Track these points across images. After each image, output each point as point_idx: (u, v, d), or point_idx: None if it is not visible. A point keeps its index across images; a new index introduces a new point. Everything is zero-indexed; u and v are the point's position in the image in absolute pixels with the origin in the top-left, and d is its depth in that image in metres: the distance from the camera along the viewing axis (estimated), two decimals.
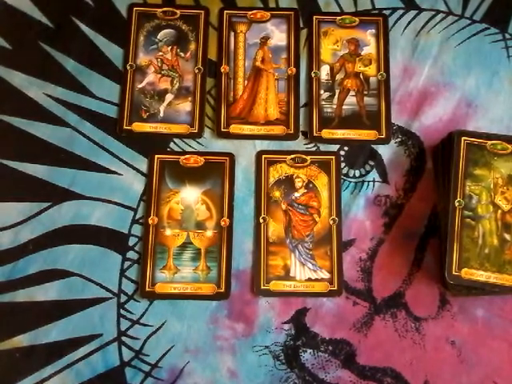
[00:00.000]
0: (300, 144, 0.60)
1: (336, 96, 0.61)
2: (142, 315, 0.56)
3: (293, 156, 0.59)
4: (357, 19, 0.63)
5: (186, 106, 0.61)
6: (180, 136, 0.60)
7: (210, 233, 0.57)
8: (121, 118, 0.60)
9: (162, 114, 0.61)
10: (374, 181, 0.59)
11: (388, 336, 0.55)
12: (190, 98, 0.61)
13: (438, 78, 0.61)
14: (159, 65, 0.62)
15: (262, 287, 0.56)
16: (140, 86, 0.62)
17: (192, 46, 0.63)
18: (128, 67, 0.62)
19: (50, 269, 0.56)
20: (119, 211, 0.58)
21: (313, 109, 0.61)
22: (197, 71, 0.62)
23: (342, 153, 0.60)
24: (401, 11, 0.63)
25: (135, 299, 0.56)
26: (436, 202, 0.58)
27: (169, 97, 0.61)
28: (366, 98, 0.61)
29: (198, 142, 0.60)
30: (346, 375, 0.54)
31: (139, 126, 0.60)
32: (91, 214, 0.58)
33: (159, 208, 0.58)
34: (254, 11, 0.63)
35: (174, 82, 0.62)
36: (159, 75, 0.62)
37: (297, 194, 0.58)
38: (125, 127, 0.60)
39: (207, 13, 0.63)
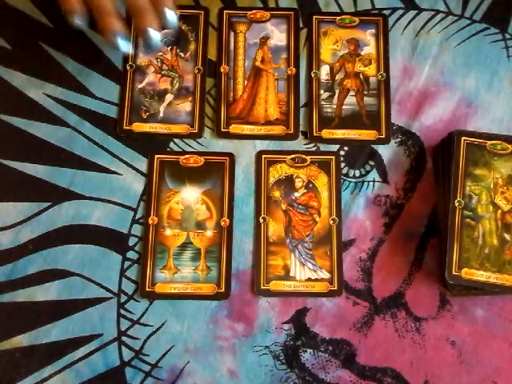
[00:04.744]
0: (300, 144, 0.60)
1: (336, 96, 0.61)
2: (142, 315, 0.56)
3: (293, 156, 0.59)
4: (357, 19, 0.63)
5: (186, 106, 0.61)
6: (180, 136, 0.60)
7: (210, 233, 0.57)
8: (120, 119, 0.60)
9: (161, 114, 0.61)
10: (374, 181, 0.59)
11: (388, 336, 0.55)
12: (190, 98, 0.61)
13: (437, 78, 0.61)
14: (159, 65, 0.62)
15: (262, 287, 0.56)
16: (140, 86, 0.62)
17: (192, 47, 0.63)
18: (128, 67, 0.62)
19: (50, 269, 0.56)
20: (119, 211, 0.58)
21: (313, 109, 0.61)
22: (197, 71, 0.62)
23: (342, 153, 0.60)
24: (401, 11, 0.64)
25: (135, 299, 0.56)
26: (436, 202, 0.58)
27: (169, 97, 0.61)
28: (365, 98, 0.61)
29: (198, 142, 0.60)
30: (346, 375, 0.54)
31: (139, 126, 0.60)
32: (91, 214, 0.58)
33: (159, 208, 0.58)
34: (254, 11, 0.64)
35: (174, 82, 0.62)
36: (159, 75, 0.62)
37: (297, 194, 0.58)
38: (125, 127, 0.60)
39: (207, 13, 0.63)
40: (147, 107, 0.61)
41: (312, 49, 0.63)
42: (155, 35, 0.54)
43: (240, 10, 0.64)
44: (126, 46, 0.53)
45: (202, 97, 0.61)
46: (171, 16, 0.54)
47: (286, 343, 0.55)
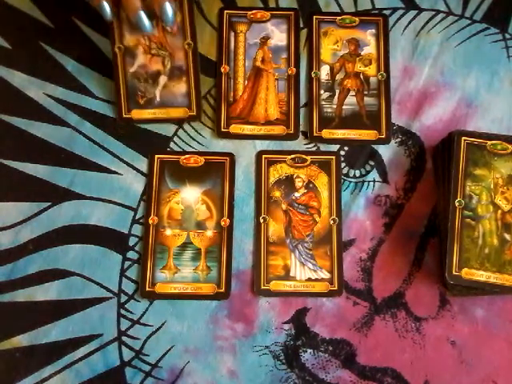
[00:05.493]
0: (300, 144, 0.60)
1: (336, 96, 0.61)
2: (142, 315, 0.56)
3: (293, 156, 0.59)
4: (357, 19, 0.63)
5: (181, 87, 0.60)
6: (179, 120, 0.60)
7: (210, 233, 0.57)
8: (119, 107, 0.60)
9: (158, 99, 0.60)
10: (374, 181, 0.59)
11: (388, 336, 0.55)
12: (184, 79, 0.60)
13: (438, 78, 0.61)
14: (147, 43, 0.61)
15: (262, 287, 0.56)
16: (132, 70, 0.60)
17: (178, 19, 0.61)
18: (116, 50, 0.60)
19: (50, 269, 0.56)
20: (119, 211, 0.58)
21: (313, 109, 0.61)
22: (187, 47, 0.61)
23: (342, 153, 0.60)
24: (401, 11, 0.63)
25: (135, 299, 0.56)
26: (436, 202, 0.58)
27: (163, 79, 0.60)
28: (366, 98, 0.61)
29: (199, 142, 0.60)
30: (347, 375, 0.54)
31: (138, 113, 0.60)
32: (91, 214, 0.58)
33: (159, 208, 0.58)
34: (254, 11, 0.63)
35: (166, 61, 0.60)
36: (149, 56, 0.61)
37: (297, 194, 0.58)
38: (124, 115, 0.60)
39: None
40: (143, 92, 0.60)
41: (312, 49, 0.62)
42: (170, 8, 0.55)
43: (240, 10, 0.64)
44: (148, 25, 0.56)
45: (195, 75, 0.60)
46: None
47: (286, 343, 0.55)
